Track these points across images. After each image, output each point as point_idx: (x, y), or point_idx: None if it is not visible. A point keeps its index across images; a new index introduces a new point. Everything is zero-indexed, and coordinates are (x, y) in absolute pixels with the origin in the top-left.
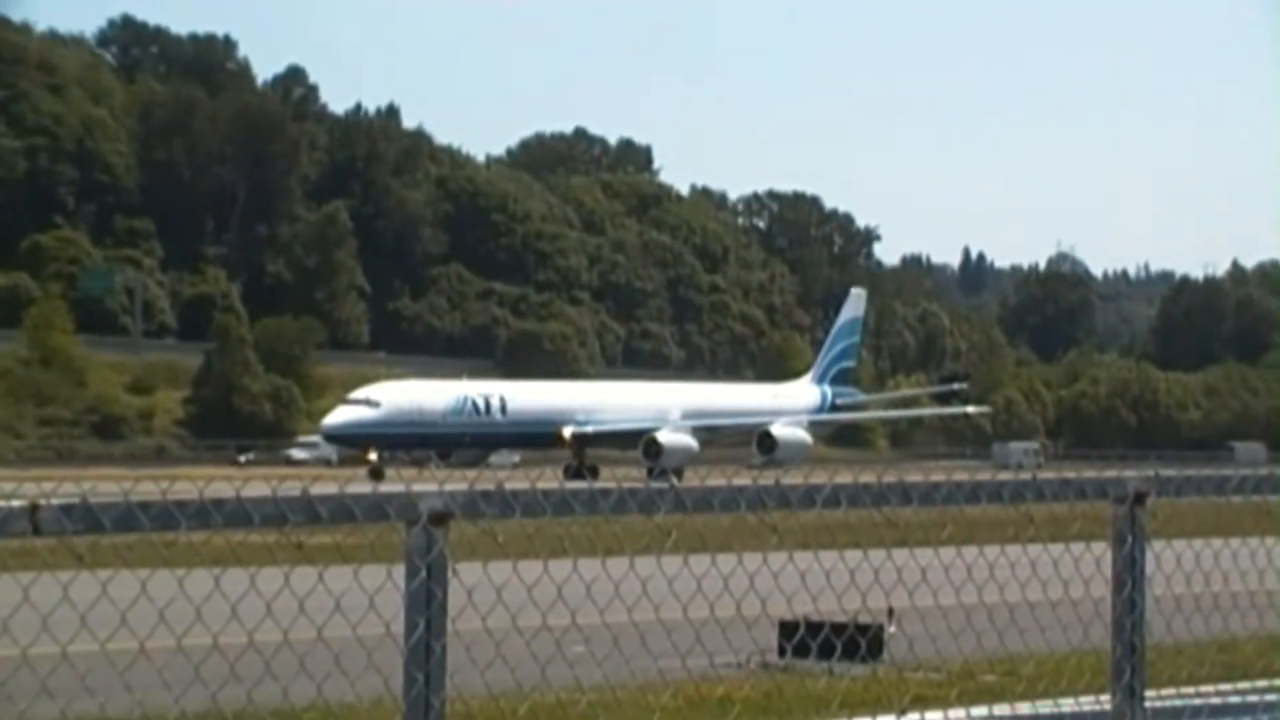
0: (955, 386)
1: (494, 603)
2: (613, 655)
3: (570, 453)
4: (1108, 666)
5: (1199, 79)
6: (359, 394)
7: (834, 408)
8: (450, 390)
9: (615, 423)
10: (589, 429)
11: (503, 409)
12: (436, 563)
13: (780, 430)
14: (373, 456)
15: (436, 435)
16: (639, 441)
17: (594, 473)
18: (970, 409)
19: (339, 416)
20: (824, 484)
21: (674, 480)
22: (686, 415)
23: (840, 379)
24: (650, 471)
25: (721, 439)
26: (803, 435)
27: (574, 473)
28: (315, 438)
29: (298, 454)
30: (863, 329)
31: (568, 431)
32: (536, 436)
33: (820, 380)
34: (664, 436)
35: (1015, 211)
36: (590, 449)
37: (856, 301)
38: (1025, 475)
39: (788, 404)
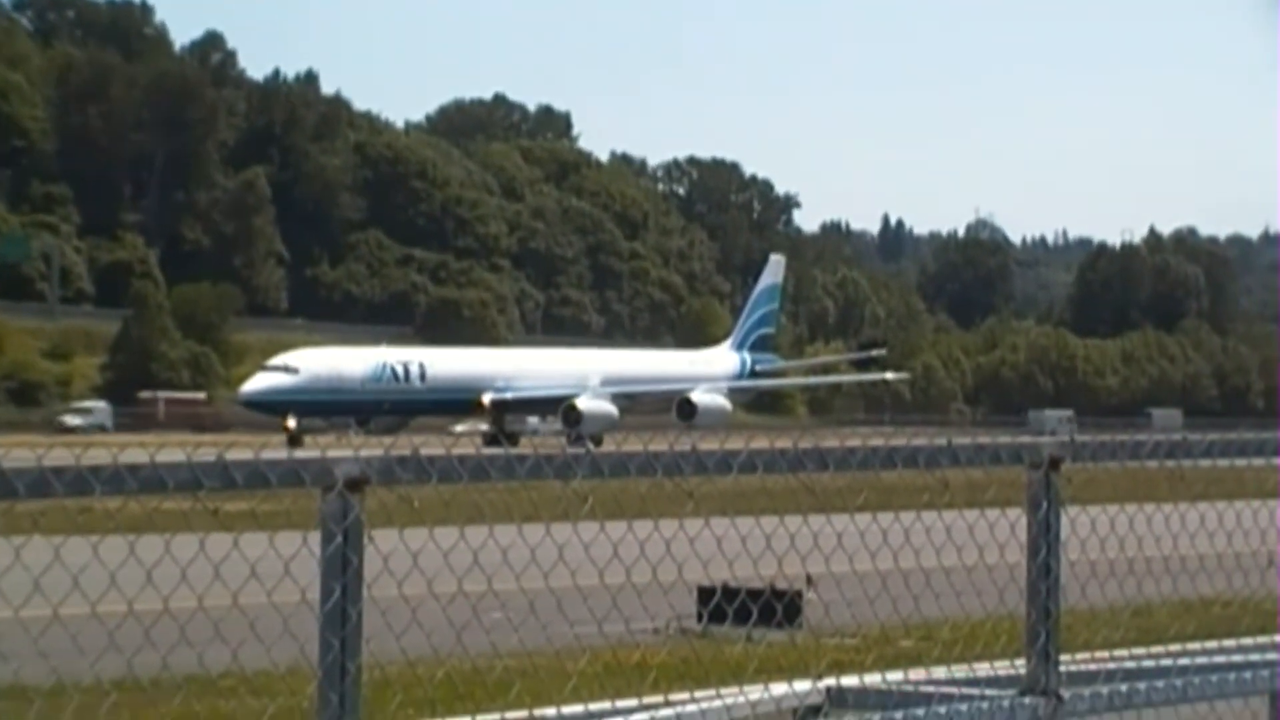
0: (874, 353)
1: (410, 569)
2: (529, 621)
3: (489, 420)
4: (1023, 631)
5: (1117, 45)
6: (277, 361)
7: (753, 374)
8: (369, 357)
9: (535, 389)
10: (508, 396)
11: (422, 376)
12: (352, 528)
13: (700, 396)
14: (291, 424)
15: (355, 402)
16: (559, 408)
17: (513, 440)
18: (889, 375)
19: (257, 383)
20: (740, 450)
21: (590, 446)
22: (606, 382)
23: (759, 345)
24: (569, 439)
25: (642, 406)
26: (722, 401)
27: (492, 439)
28: (89, 403)
29: (70, 420)
30: (782, 296)
31: (487, 398)
32: (456, 404)
33: (739, 347)
34: (583, 403)
35: (934, 178)
36: (510, 415)
37: (775, 268)
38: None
39: (707, 371)
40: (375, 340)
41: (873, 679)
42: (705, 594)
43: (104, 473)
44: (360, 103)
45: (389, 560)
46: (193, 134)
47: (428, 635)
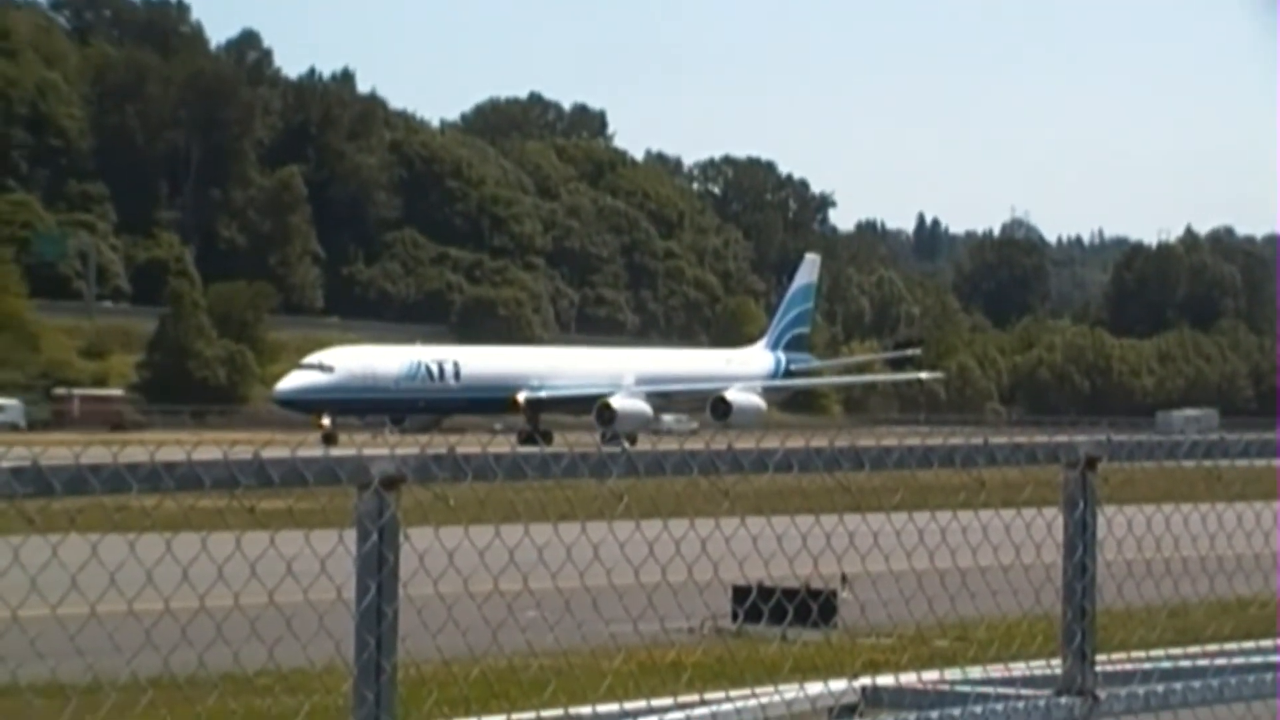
0: (909, 352)
1: (445, 567)
2: (565, 620)
3: (524, 419)
4: (1059, 631)
5: (1153, 45)
6: (312, 359)
7: (788, 373)
8: (404, 355)
9: (569, 388)
10: (543, 394)
11: (456, 374)
12: (388, 527)
13: (735, 395)
14: (325, 422)
15: (389, 400)
16: (593, 407)
17: (547, 438)
18: (924, 374)
19: (292, 381)
20: (776, 448)
21: (625, 445)
22: (640, 381)
23: (794, 345)
24: (603, 437)
25: (676, 405)
26: (757, 400)
27: (527, 438)
28: (1, 400)
29: None
30: (816, 295)
31: (521, 397)
32: (490, 402)
33: (774, 346)
34: (617, 402)
35: (970, 178)
36: (544, 414)
37: (810, 267)
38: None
39: (741, 370)
40: (410, 339)
41: (908, 678)
42: (740, 593)
43: (141, 471)
44: (396, 101)
45: (424, 558)
46: (229, 132)
47: (463, 634)
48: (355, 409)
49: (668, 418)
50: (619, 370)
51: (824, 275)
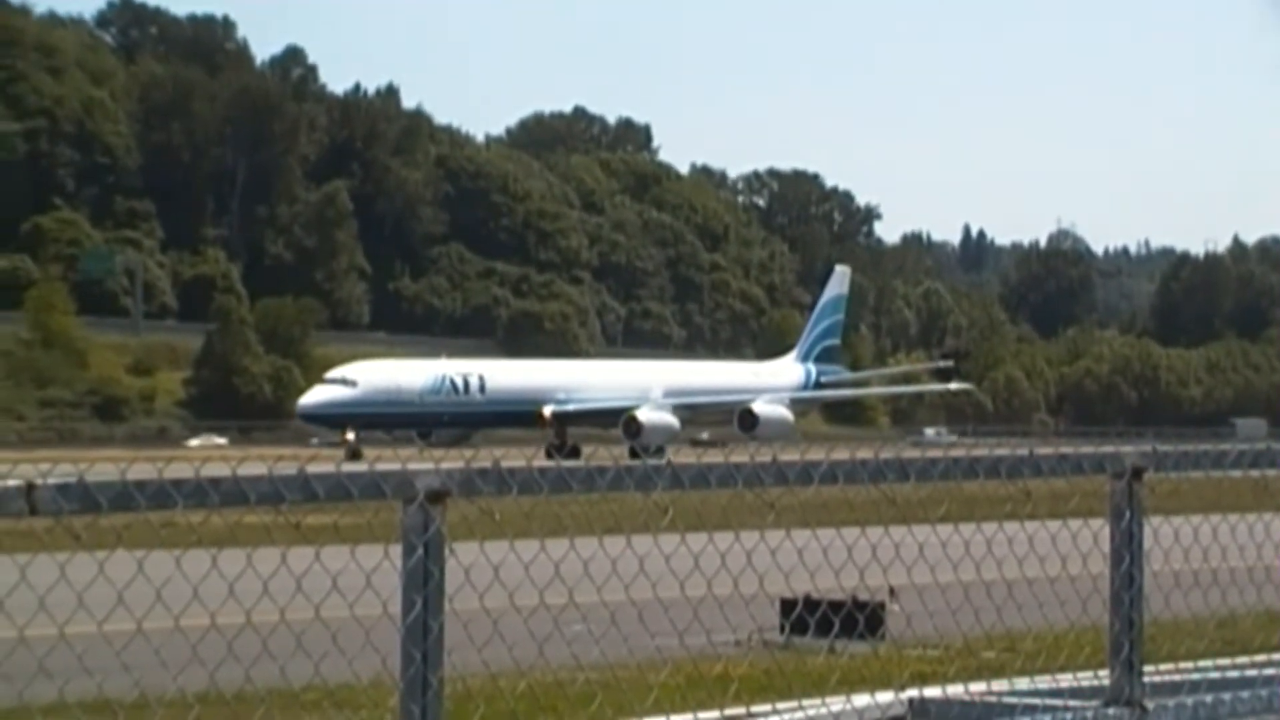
0: (942, 364)
1: (491, 581)
2: (610, 634)
3: (551, 432)
4: (1107, 642)
5: (1199, 54)
6: (335, 373)
7: (818, 385)
8: (428, 369)
9: (596, 401)
10: (570, 407)
11: (481, 388)
12: (433, 541)
13: (762, 408)
14: (350, 436)
15: (414, 415)
16: (619, 420)
17: (575, 452)
18: (953, 385)
19: (315, 396)
20: (821, 460)
21: (669, 457)
22: (668, 394)
23: (825, 357)
24: (632, 450)
25: (703, 417)
26: (784, 413)
27: (556, 452)
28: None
29: None
30: (848, 307)
31: (548, 410)
32: (516, 415)
33: (805, 358)
34: (644, 415)
35: (1015, 188)
36: (571, 428)
37: (841, 279)
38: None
39: (771, 382)
40: (457, 354)
41: (955, 690)
42: (787, 605)
43: (186, 486)
44: (441, 116)
45: (470, 573)
46: (274, 149)
47: (509, 648)
48: (380, 423)
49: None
50: (647, 383)
51: (870, 287)
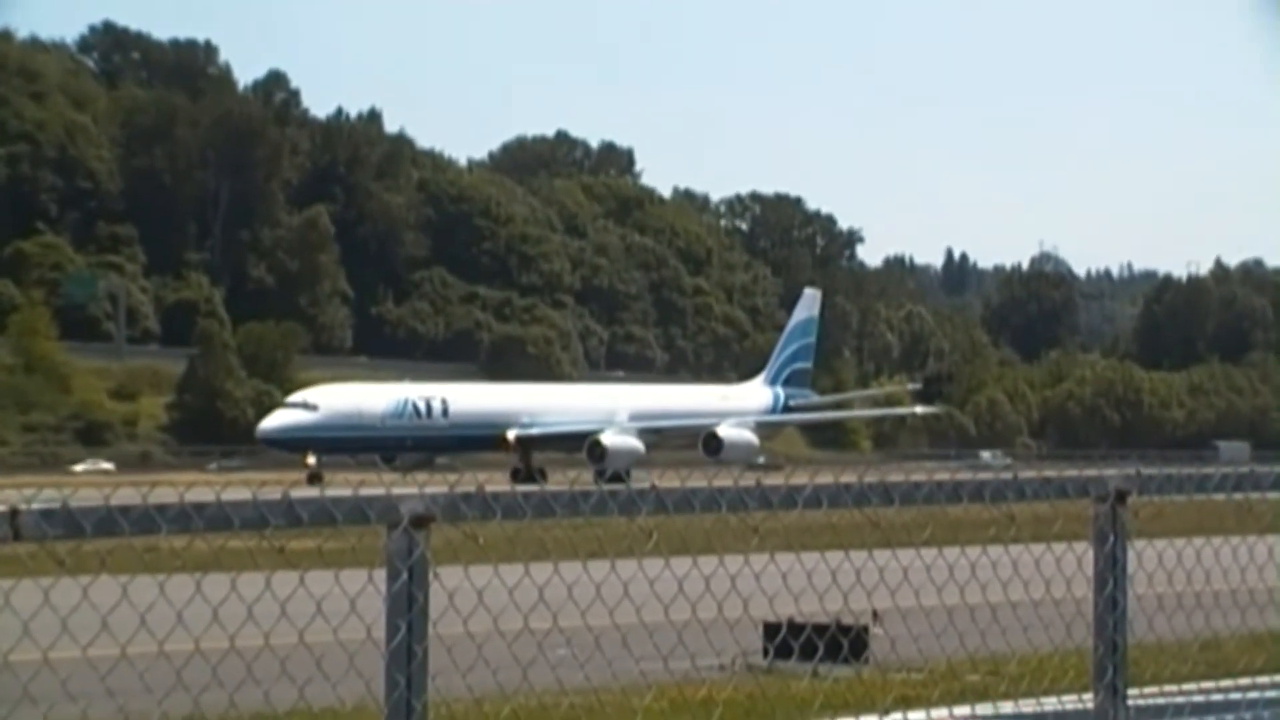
0: (910, 386)
1: (475, 605)
2: (595, 658)
3: (517, 456)
4: (1090, 665)
5: (1180, 78)
6: (296, 397)
7: (787, 408)
8: (390, 393)
9: (560, 425)
10: (534, 431)
11: (444, 411)
12: (418, 566)
13: (726, 431)
14: (311, 461)
15: (376, 439)
16: (584, 444)
17: (541, 475)
18: (919, 409)
19: (275, 420)
20: (805, 484)
21: (627, 483)
22: (634, 417)
23: (794, 380)
24: (598, 475)
25: (669, 441)
26: (749, 436)
27: (521, 476)
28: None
29: None
30: (828, 329)
31: (512, 434)
32: (479, 439)
33: (774, 381)
34: (608, 438)
35: (998, 212)
36: (536, 452)
37: (810, 302)
38: None
39: (739, 405)
40: (439, 378)
41: (939, 714)
42: (771, 629)
43: (170, 511)
44: (423, 141)
45: (454, 597)
46: (257, 173)
47: (493, 672)
48: (341, 448)
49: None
50: (612, 407)
51: (853, 311)
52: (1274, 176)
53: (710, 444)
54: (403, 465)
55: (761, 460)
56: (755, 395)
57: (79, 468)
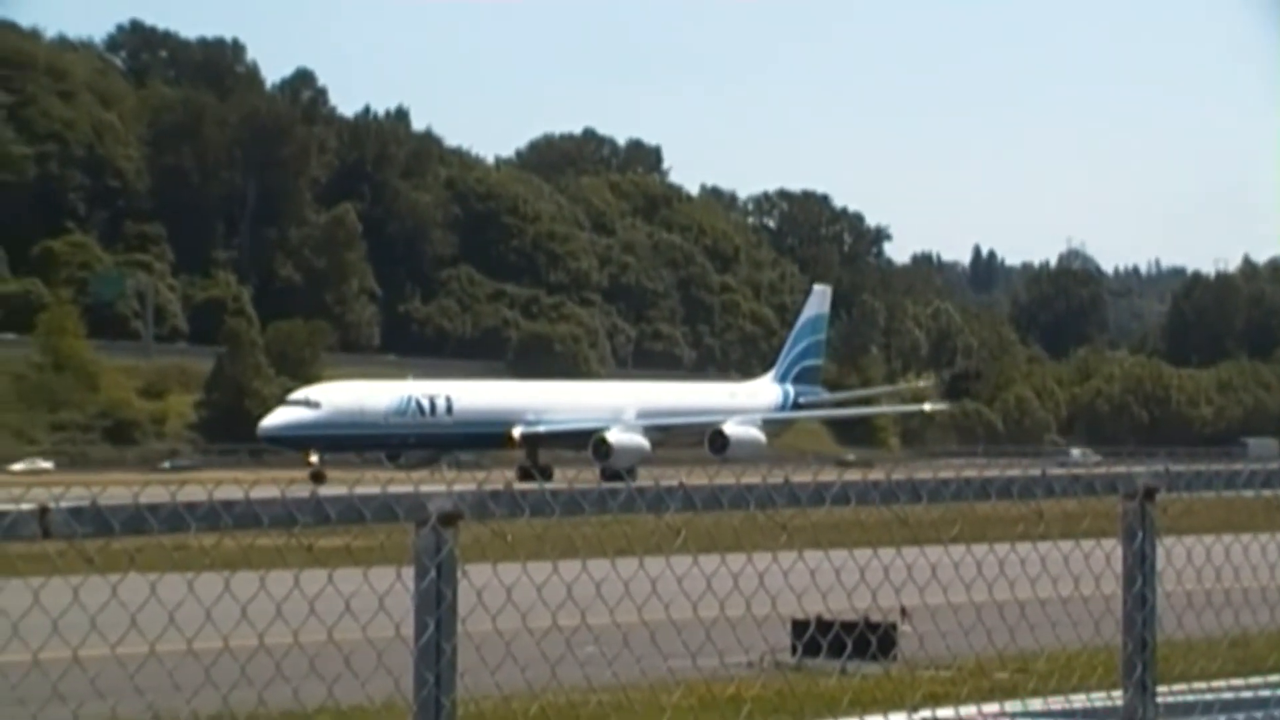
0: (920, 383)
1: (504, 603)
2: (623, 655)
3: (524, 454)
4: (1119, 662)
5: (1208, 74)
6: (298, 395)
7: (796, 405)
8: (394, 390)
9: (567, 422)
10: (540, 429)
11: (449, 409)
12: (446, 563)
13: (733, 429)
14: (313, 459)
15: (379, 436)
16: (589, 441)
17: (546, 474)
18: (927, 406)
19: (277, 418)
20: (833, 482)
21: (628, 480)
22: (642, 415)
23: (804, 377)
24: (603, 473)
25: (676, 438)
26: (756, 434)
27: (526, 474)
28: None
29: None
30: (829, 326)
31: (517, 432)
32: (484, 437)
33: (783, 379)
34: (613, 436)
35: (1026, 209)
36: (543, 450)
37: (820, 298)
38: None
39: (747, 403)
40: (467, 376)
41: (968, 711)
42: (799, 626)
43: (199, 510)
44: (451, 139)
45: (483, 594)
46: (284, 171)
47: (522, 669)
48: (344, 445)
49: (1075, 451)
50: (620, 404)
51: (880, 308)
52: None
53: (716, 442)
54: (408, 463)
55: (850, 458)
56: (764, 392)
57: (17, 467)
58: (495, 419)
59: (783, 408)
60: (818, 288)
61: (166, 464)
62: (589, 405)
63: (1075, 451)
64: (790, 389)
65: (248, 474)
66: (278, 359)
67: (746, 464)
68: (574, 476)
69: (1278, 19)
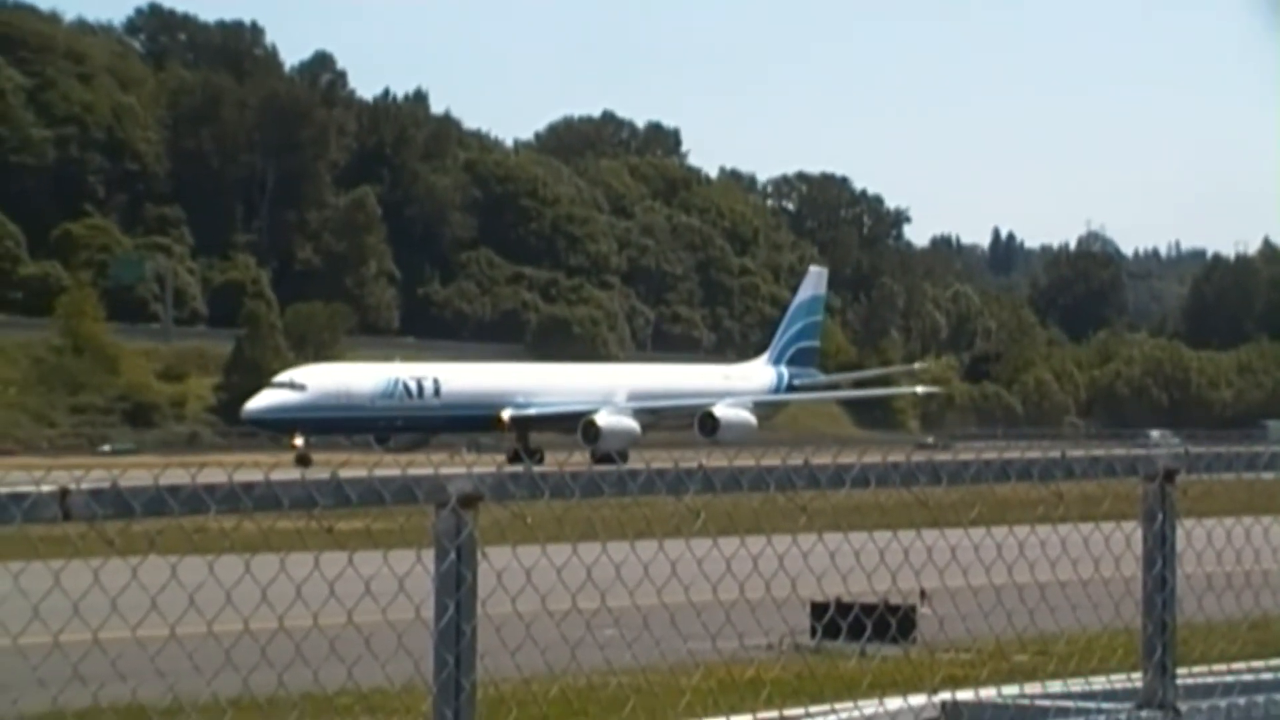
0: (916, 366)
1: (523, 585)
2: (643, 637)
3: (513, 437)
4: (1139, 644)
5: (1228, 55)
6: (283, 377)
7: (791, 388)
8: (381, 372)
9: (556, 405)
10: (529, 411)
11: (436, 391)
12: (466, 545)
13: (722, 411)
14: (298, 442)
15: (366, 419)
16: (579, 424)
17: (534, 456)
18: (919, 389)
19: (262, 400)
20: (853, 463)
21: (619, 463)
22: (633, 397)
23: (800, 359)
24: (593, 455)
25: (667, 421)
26: (746, 416)
27: (515, 458)
28: None
29: None
30: (825, 307)
31: (506, 414)
32: (473, 420)
33: (778, 361)
34: (602, 419)
35: (1045, 191)
36: (533, 433)
37: (817, 279)
38: None
39: (741, 385)
40: (486, 358)
41: (988, 693)
42: (819, 609)
43: (219, 492)
44: (470, 121)
45: (502, 577)
46: (303, 154)
47: (542, 652)
48: (329, 428)
49: (1154, 433)
50: (611, 386)
51: (899, 290)
52: None
53: (706, 424)
54: (396, 446)
55: (930, 440)
56: (758, 374)
57: (106, 448)
58: (484, 402)
59: (777, 390)
60: (814, 269)
61: (107, 447)
62: (579, 388)
63: (1154, 433)
64: (785, 371)
65: (267, 457)
66: (297, 342)
67: (738, 446)
68: (564, 460)
69: None
